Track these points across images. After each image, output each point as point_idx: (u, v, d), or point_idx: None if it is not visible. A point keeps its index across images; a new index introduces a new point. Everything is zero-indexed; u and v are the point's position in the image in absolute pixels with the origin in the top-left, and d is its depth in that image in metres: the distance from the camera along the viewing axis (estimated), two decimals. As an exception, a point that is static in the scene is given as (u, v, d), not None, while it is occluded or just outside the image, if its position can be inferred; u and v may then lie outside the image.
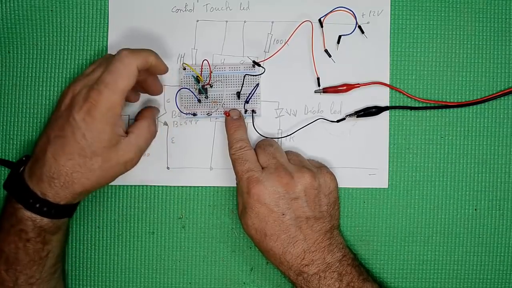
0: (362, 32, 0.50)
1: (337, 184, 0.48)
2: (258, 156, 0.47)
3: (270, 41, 0.51)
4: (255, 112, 0.50)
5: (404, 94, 0.51)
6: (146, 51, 0.44)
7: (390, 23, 0.51)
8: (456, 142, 0.51)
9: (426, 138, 0.51)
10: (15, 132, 0.51)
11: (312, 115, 0.51)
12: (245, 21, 0.51)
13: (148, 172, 0.51)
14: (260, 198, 0.45)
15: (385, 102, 0.51)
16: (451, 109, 0.51)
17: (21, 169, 0.45)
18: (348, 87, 0.50)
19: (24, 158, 0.46)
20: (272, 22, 0.51)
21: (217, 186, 0.51)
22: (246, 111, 0.50)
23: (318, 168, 0.48)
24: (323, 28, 0.50)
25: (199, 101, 0.50)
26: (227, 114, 0.49)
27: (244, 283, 0.51)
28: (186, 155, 0.51)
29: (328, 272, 0.44)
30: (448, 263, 0.51)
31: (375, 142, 0.51)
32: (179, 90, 0.50)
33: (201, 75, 0.49)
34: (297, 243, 0.45)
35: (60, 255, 0.47)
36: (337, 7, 0.50)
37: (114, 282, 0.51)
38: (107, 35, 0.51)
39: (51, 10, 0.51)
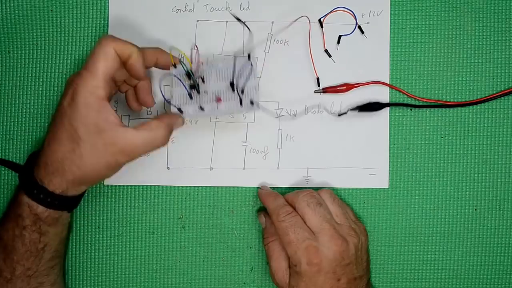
0: (362, 32, 0.50)
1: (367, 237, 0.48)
2: (305, 215, 0.45)
3: (270, 41, 0.51)
4: (253, 104, 0.45)
5: (404, 93, 0.51)
6: (129, 43, 0.43)
7: (390, 23, 0.51)
8: (456, 142, 0.51)
9: (426, 138, 0.51)
10: (15, 132, 0.51)
11: (312, 115, 0.51)
12: (245, 21, 0.51)
13: (148, 172, 0.51)
14: (320, 268, 0.43)
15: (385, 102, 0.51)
16: (451, 109, 0.51)
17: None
18: (348, 87, 0.50)
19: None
20: (272, 22, 0.51)
21: (217, 186, 0.51)
22: (241, 101, 0.45)
23: (357, 225, 0.47)
24: (323, 28, 0.50)
25: (190, 96, 0.46)
26: (219, 99, 0.46)
27: (244, 283, 0.51)
28: (186, 155, 0.51)
29: None
30: (448, 263, 0.51)
31: (375, 142, 0.51)
32: (163, 80, 0.48)
33: (190, 62, 0.47)
34: None
35: (58, 250, 0.47)
36: (337, 7, 0.50)
37: (114, 282, 0.51)
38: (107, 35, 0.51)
39: (51, 10, 0.51)
